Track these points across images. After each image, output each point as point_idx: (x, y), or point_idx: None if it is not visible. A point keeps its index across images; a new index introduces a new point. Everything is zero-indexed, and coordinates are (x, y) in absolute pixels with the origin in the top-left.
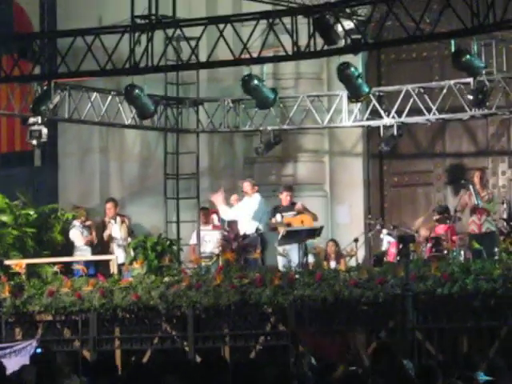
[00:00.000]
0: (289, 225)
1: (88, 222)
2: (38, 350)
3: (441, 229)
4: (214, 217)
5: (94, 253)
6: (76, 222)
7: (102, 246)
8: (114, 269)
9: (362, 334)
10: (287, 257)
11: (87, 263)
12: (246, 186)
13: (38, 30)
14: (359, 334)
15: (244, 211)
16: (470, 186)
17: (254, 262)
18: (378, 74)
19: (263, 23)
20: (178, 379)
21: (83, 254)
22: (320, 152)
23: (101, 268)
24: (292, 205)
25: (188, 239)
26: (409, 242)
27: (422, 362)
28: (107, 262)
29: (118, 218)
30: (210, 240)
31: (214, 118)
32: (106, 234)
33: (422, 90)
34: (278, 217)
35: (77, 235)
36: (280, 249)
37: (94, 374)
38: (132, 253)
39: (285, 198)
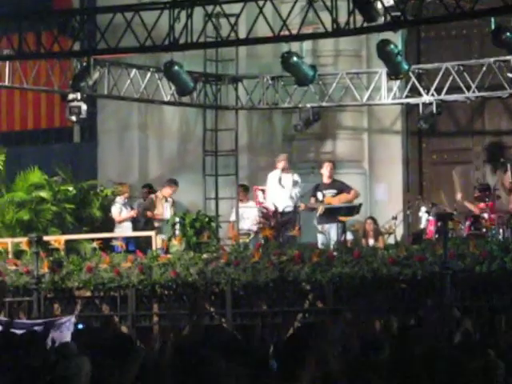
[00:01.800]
0: (329, 204)
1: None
2: (80, 326)
3: (480, 206)
4: (259, 193)
5: (135, 229)
6: (118, 199)
7: (146, 222)
8: (156, 245)
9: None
10: (326, 235)
11: (127, 239)
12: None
13: (77, 6)
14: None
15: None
16: (508, 165)
17: (293, 239)
18: (418, 52)
19: (303, 0)
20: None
21: (123, 230)
22: (359, 129)
23: (142, 244)
24: (334, 182)
25: (227, 216)
26: (447, 219)
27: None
28: (148, 238)
29: (170, 199)
30: (249, 217)
31: (253, 95)
32: (155, 212)
33: (461, 68)
34: (320, 195)
35: (117, 212)
36: (319, 227)
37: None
38: (174, 228)
39: (326, 168)
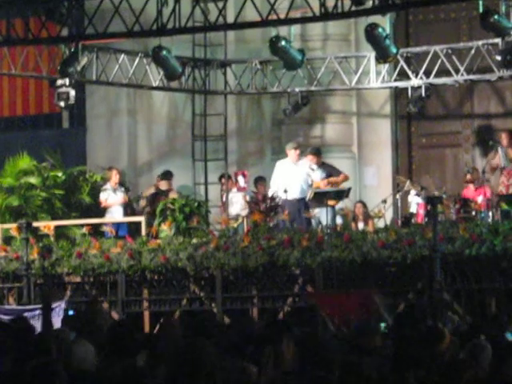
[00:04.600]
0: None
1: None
2: (70, 312)
3: (470, 191)
4: (240, 178)
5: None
6: (108, 185)
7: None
8: (145, 231)
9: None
10: (316, 219)
11: (118, 225)
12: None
13: None
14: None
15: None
16: (499, 148)
17: (283, 224)
18: (406, 35)
19: None
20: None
21: (114, 215)
22: (348, 113)
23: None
24: (322, 166)
25: (216, 201)
26: (437, 203)
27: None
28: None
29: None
30: (237, 202)
31: (242, 80)
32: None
33: (450, 51)
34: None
35: (103, 198)
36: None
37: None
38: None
39: (310, 161)
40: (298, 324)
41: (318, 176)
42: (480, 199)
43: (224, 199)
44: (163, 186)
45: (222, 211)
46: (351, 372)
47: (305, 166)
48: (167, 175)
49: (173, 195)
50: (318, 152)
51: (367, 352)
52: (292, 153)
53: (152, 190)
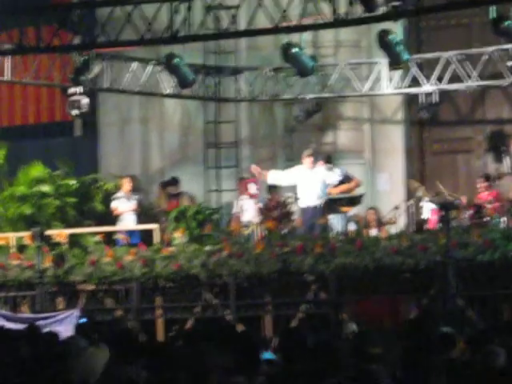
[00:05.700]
0: (329, 195)
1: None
2: (82, 320)
3: (485, 196)
4: (251, 185)
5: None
6: (120, 193)
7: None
8: (156, 238)
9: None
10: (329, 225)
11: (131, 232)
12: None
13: (76, 0)
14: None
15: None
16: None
17: (298, 230)
18: (418, 41)
19: None
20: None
21: (126, 223)
22: (360, 120)
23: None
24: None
25: (228, 208)
26: (450, 208)
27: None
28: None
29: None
30: (248, 209)
31: (254, 87)
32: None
33: (462, 57)
34: None
35: (114, 206)
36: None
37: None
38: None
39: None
40: (311, 331)
41: (337, 175)
42: (490, 202)
43: (238, 204)
44: (172, 191)
45: (236, 218)
46: (364, 380)
47: (320, 172)
48: (172, 181)
49: (185, 198)
50: (328, 160)
51: (376, 359)
52: (307, 160)
53: (164, 203)
